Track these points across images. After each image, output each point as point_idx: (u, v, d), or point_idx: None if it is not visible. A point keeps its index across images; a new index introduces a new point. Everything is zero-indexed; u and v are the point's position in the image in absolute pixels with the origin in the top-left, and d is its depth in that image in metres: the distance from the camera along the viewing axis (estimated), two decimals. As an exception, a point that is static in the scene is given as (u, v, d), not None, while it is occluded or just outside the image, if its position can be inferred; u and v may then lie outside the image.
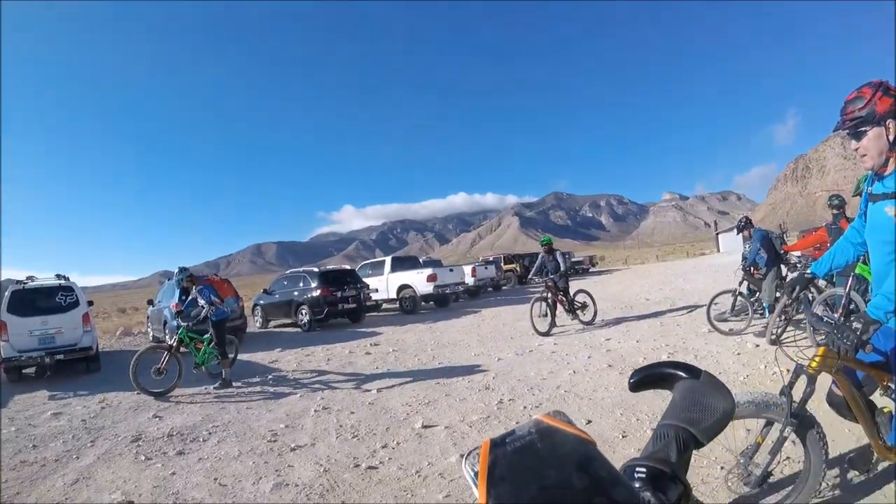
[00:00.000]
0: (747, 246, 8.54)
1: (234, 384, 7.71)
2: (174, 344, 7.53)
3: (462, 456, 0.50)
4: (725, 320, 8.44)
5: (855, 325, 2.23)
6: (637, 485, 0.53)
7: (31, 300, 9.43)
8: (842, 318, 2.46)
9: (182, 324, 7.72)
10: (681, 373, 0.68)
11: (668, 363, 0.71)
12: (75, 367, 9.80)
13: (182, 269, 8.10)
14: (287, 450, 4.81)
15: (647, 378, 0.72)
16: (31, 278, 10.07)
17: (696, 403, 0.62)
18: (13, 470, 4.70)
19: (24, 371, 9.64)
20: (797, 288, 2.80)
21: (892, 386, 2.45)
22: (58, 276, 10.33)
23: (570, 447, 0.52)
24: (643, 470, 0.54)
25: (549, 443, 0.52)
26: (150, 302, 14.66)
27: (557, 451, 0.52)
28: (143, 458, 4.85)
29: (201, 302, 7.55)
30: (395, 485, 3.87)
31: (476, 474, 0.49)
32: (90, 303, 10.52)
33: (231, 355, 8.11)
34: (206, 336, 7.81)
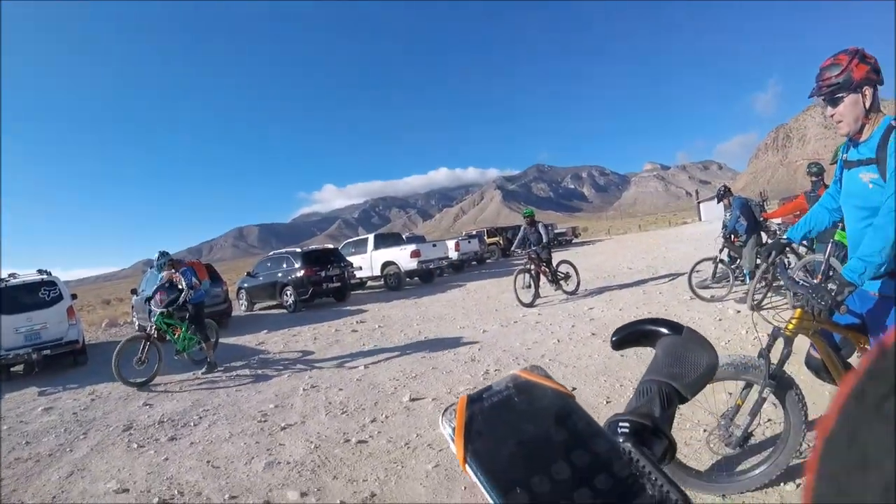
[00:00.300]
0: (727, 214, 8.64)
1: (222, 367, 7.71)
2: (151, 332, 7.39)
3: (440, 415, 0.50)
4: (707, 287, 8.57)
5: (830, 286, 2.28)
6: (621, 439, 0.53)
7: (14, 297, 9.25)
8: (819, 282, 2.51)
9: (155, 310, 7.59)
10: (663, 329, 0.66)
11: (649, 320, 0.70)
12: (63, 362, 9.66)
13: (163, 254, 7.93)
14: (277, 429, 4.84)
15: (630, 336, 0.71)
16: (12, 275, 9.89)
17: (679, 358, 0.61)
18: (8, 468, 4.64)
19: (12, 369, 9.51)
20: (773, 253, 2.86)
21: (869, 348, 2.51)
22: (40, 272, 10.13)
23: (548, 401, 0.52)
24: (626, 425, 0.53)
25: (527, 397, 0.52)
26: (134, 291, 14.50)
27: (535, 405, 0.51)
28: (135, 446, 4.84)
29: (182, 284, 7.45)
30: (385, 457, 3.92)
31: (453, 430, 0.49)
32: (74, 296, 10.37)
33: (212, 339, 8.05)
34: (183, 323, 7.70)
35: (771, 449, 2.87)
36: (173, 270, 7.67)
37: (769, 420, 3.45)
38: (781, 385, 2.62)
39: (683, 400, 0.60)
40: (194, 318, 7.63)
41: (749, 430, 2.72)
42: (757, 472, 2.78)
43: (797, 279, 2.53)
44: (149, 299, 7.92)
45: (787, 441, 2.72)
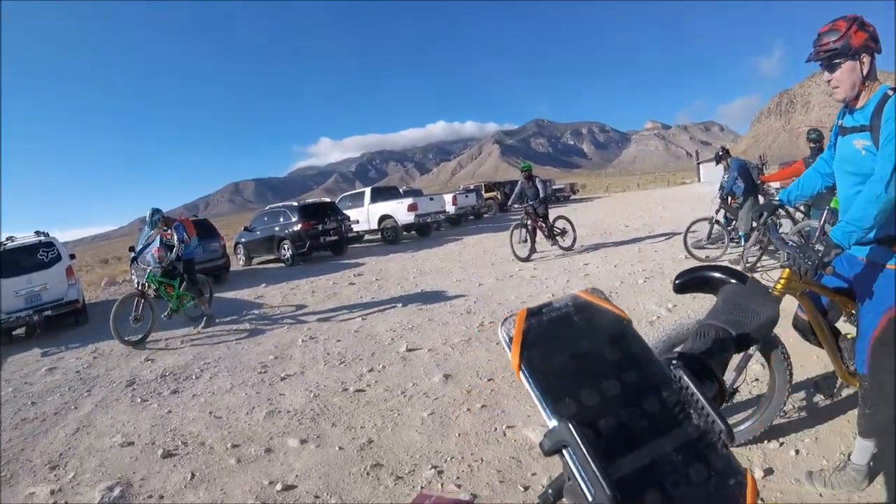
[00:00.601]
0: (725, 175, 8.62)
1: (221, 321, 7.82)
2: (146, 290, 7.42)
3: (499, 323, 0.54)
4: (702, 247, 8.62)
5: (818, 247, 2.32)
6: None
7: (13, 260, 9.24)
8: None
9: (154, 268, 7.56)
10: (726, 277, 0.68)
11: (713, 266, 0.71)
12: (64, 322, 9.72)
13: (156, 211, 7.84)
14: (277, 379, 4.97)
15: (693, 280, 0.72)
16: (10, 238, 9.84)
17: (740, 307, 0.61)
18: (15, 429, 4.69)
19: (14, 332, 9.56)
20: (765, 214, 2.89)
21: (856, 313, 2.55)
22: (37, 233, 10.09)
23: (605, 321, 0.55)
24: (679, 362, 0.55)
25: (585, 316, 0.55)
26: (132, 249, 14.47)
27: (592, 324, 0.54)
28: (139, 400, 4.93)
29: (174, 240, 7.44)
30: (382, 405, 4.06)
31: (510, 339, 0.51)
32: (72, 256, 10.37)
33: (206, 294, 8.11)
34: (174, 280, 7.71)
35: (755, 407, 2.95)
36: (165, 227, 7.65)
37: (756, 379, 3.56)
38: (767, 344, 2.68)
39: (740, 348, 0.62)
40: (185, 275, 7.67)
41: (735, 386, 2.79)
42: (741, 427, 2.86)
43: (786, 240, 2.57)
44: (135, 258, 7.88)
45: (772, 400, 2.78)
